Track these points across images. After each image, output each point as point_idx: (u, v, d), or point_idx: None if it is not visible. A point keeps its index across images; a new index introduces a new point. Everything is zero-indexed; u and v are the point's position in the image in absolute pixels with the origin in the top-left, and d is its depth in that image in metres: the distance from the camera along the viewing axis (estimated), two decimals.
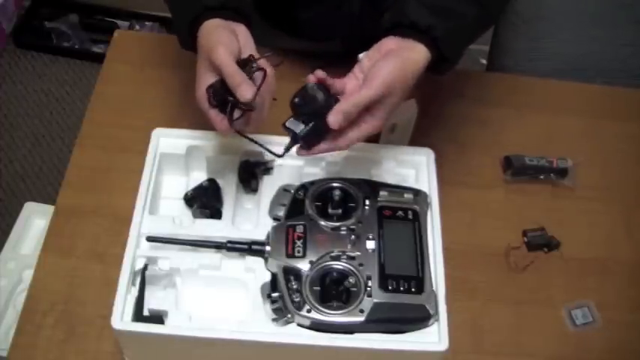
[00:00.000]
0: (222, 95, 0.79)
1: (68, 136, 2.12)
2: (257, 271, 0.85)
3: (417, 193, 0.91)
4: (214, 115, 0.81)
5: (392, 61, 0.83)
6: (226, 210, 0.91)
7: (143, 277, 0.84)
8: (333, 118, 0.80)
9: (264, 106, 0.82)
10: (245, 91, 0.76)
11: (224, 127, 0.81)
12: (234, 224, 0.90)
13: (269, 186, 0.92)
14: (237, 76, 0.77)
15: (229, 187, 0.93)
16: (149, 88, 1.14)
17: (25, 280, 1.45)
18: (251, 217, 0.91)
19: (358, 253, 0.84)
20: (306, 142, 0.83)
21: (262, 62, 0.81)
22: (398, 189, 0.91)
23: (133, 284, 0.83)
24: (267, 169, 0.94)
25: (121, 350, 0.87)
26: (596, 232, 1.09)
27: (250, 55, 0.80)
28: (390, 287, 0.82)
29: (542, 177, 1.12)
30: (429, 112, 1.08)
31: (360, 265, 0.83)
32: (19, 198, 1.92)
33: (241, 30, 0.84)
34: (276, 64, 0.83)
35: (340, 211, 0.88)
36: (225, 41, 0.79)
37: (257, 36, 0.85)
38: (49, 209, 1.09)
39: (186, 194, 0.95)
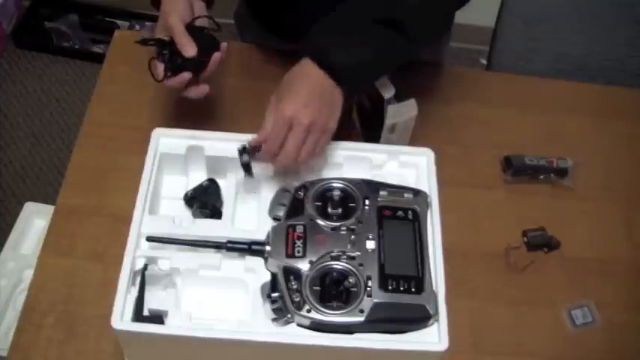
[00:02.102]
0: (172, 56, 0.92)
1: (68, 136, 2.12)
2: (257, 271, 0.85)
3: (417, 193, 0.91)
4: (156, 63, 0.93)
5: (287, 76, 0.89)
6: (226, 210, 0.91)
7: (143, 277, 0.84)
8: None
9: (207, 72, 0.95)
10: (188, 48, 0.91)
11: (158, 74, 0.93)
12: (234, 224, 0.90)
13: (269, 186, 0.92)
14: (184, 37, 0.91)
15: (229, 187, 0.93)
16: (149, 88, 1.13)
17: (25, 280, 1.45)
18: (251, 217, 0.91)
19: (358, 253, 0.84)
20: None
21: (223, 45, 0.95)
22: (398, 189, 0.91)
23: (133, 284, 0.83)
24: None
25: (121, 350, 0.87)
26: (596, 232, 1.09)
27: (192, 19, 0.94)
28: (390, 287, 0.82)
29: (542, 177, 1.12)
30: (429, 112, 1.08)
31: (360, 265, 0.83)
32: (19, 198, 1.92)
33: (199, 5, 0.97)
34: (215, 29, 0.96)
35: (340, 211, 0.88)
36: (180, 9, 0.93)
37: (252, 39, 0.87)
38: (49, 209, 1.09)
39: (186, 194, 0.95)
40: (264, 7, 1.23)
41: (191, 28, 0.93)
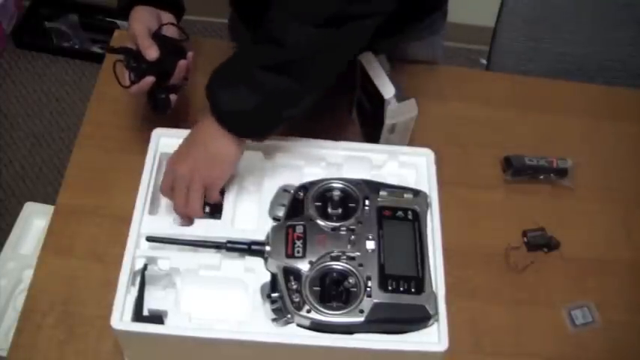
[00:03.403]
0: (137, 62, 0.94)
1: (68, 136, 2.12)
2: (257, 272, 0.85)
3: (416, 193, 0.91)
4: (122, 70, 0.95)
5: None
6: (226, 210, 0.91)
7: (143, 277, 0.84)
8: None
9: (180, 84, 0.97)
10: (150, 51, 0.92)
11: (125, 82, 0.95)
12: (234, 224, 0.90)
13: (269, 186, 0.92)
14: (146, 40, 0.93)
15: (230, 187, 0.93)
16: None
17: (25, 280, 1.45)
18: (251, 217, 0.91)
19: (358, 254, 0.84)
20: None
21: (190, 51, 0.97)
22: (398, 189, 0.91)
23: (133, 284, 0.83)
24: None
25: (121, 350, 0.87)
26: (595, 232, 1.09)
27: (159, 27, 0.96)
28: (389, 287, 0.82)
29: (542, 177, 1.12)
30: (429, 112, 1.08)
31: (360, 265, 0.83)
32: (19, 198, 1.93)
33: (167, 16, 0.99)
34: (183, 39, 0.99)
35: (340, 211, 0.88)
36: (144, 19, 0.95)
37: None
38: (49, 209, 1.09)
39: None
40: (250, 14, 1.23)
41: (157, 36, 0.95)
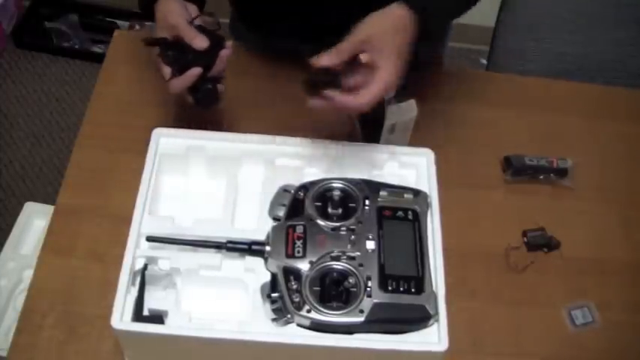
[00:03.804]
0: (179, 54, 0.90)
1: (68, 136, 2.12)
2: (257, 271, 0.85)
3: (417, 193, 0.91)
4: (161, 65, 0.91)
5: (372, 15, 0.87)
6: (226, 210, 0.91)
7: (143, 277, 0.84)
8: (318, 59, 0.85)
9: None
10: (200, 41, 0.89)
11: (165, 74, 0.91)
12: (234, 224, 0.90)
13: (269, 186, 0.92)
14: (191, 31, 0.90)
15: (230, 187, 0.93)
16: (149, 88, 1.14)
17: (25, 280, 1.45)
18: (251, 217, 0.91)
19: (358, 254, 0.84)
20: None
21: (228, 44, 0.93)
22: (398, 189, 0.91)
23: (133, 284, 0.83)
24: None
25: (121, 350, 0.87)
26: (596, 232, 1.09)
27: (192, 18, 0.93)
28: (389, 287, 0.82)
29: (542, 177, 1.12)
30: (429, 112, 1.08)
31: (360, 265, 0.83)
32: (19, 198, 1.93)
33: (192, 7, 0.95)
34: (216, 28, 0.94)
35: (340, 211, 0.88)
36: (178, 11, 0.92)
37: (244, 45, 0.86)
38: (49, 209, 1.09)
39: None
40: (251, 15, 1.24)
41: (194, 27, 0.91)
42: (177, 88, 0.91)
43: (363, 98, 0.85)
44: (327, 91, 0.86)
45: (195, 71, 0.90)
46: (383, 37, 0.85)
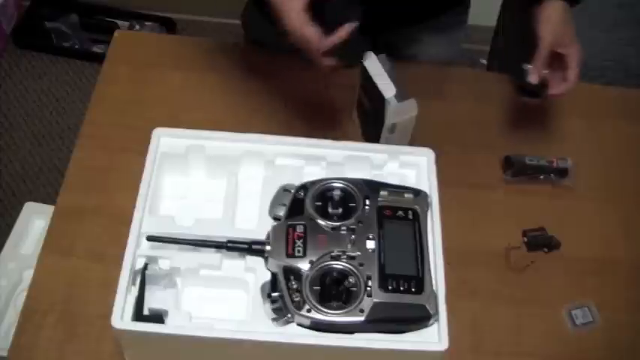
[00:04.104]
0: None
1: (68, 136, 2.12)
2: (257, 271, 0.85)
3: (417, 193, 0.91)
4: (313, 32, 0.87)
5: (543, 20, 1.01)
6: (226, 210, 0.91)
7: (143, 277, 0.84)
8: (533, 76, 1.02)
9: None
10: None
11: (321, 44, 0.87)
12: (235, 224, 0.90)
13: (269, 186, 0.92)
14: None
15: (230, 186, 0.93)
16: (149, 88, 1.14)
17: (25, 280, 1.45)
18: (251, 216, 0.91)
19: (358, 253, 0.84)
20: None
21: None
22: (398, 189, 0.91)
23: (133, 284, 0.83)
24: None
25: (121, 350, 0.87)
26: (596, 232, 1.09)
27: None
28: (390, 287, 0.82)
29: (542, 177, 1.12)
30: (429, 112, 1.08)
31: (360, 264, 0.83)
32: (19, 198, 1.92)
33: None
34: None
35: (340, 211, 0.88)
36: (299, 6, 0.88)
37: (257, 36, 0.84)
38: (49, 209, 1.09)
39: None
40: None
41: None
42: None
43: (572, 79, 1.01)
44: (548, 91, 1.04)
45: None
46: (562, 33, 1.01)
